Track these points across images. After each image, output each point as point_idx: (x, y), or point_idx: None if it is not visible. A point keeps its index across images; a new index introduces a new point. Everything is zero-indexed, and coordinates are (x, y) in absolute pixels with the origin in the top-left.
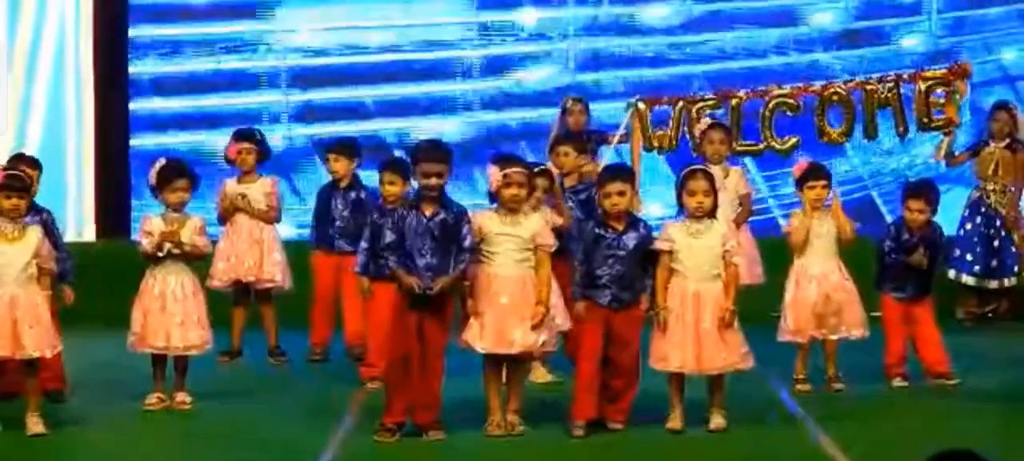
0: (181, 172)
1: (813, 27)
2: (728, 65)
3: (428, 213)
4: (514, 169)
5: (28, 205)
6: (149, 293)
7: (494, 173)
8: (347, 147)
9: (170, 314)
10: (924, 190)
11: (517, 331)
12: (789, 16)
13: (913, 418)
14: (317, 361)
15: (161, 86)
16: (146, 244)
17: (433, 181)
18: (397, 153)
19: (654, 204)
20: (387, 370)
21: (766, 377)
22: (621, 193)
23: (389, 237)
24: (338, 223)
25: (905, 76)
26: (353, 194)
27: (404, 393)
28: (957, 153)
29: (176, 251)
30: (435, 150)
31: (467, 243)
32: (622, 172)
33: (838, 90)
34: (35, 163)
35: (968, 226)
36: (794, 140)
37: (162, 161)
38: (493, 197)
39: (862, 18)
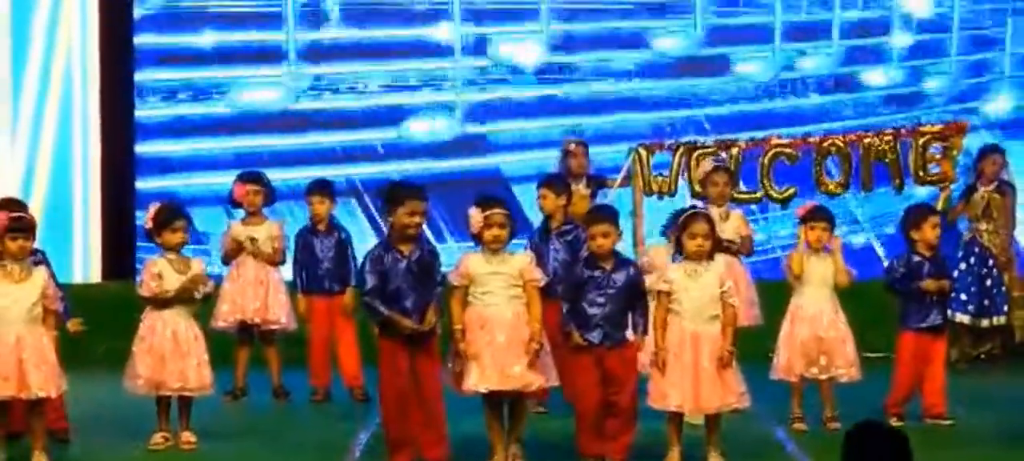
0: (179, 213)
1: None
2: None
3: (406, 252)
4: (494, 211)
5: (32, 246)
6: (159, 336)
7: (475, 215)
8: (330, 189)
9: (187, 355)
10: (934, 208)
11: (516, 366)
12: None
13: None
14: (320, 402)
15: (167, 130)
16: (154, 287)
17: (418, 219)
18: None
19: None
20: (386, 414)
21: (763, 416)
22: (606, 234)
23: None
24: (326, 265)
25: (903, 131)
26: (336, 235)
27: (407, 433)
28: (954, 205)
29: (209, 291)
30: (419, 190)
31: (439, 276)
32: (607, 213)
33: (836, 142)
34: (23, 206)
35: (962, 266)
36: (792, 190)
37: (157, 204)
38: (477, 239)
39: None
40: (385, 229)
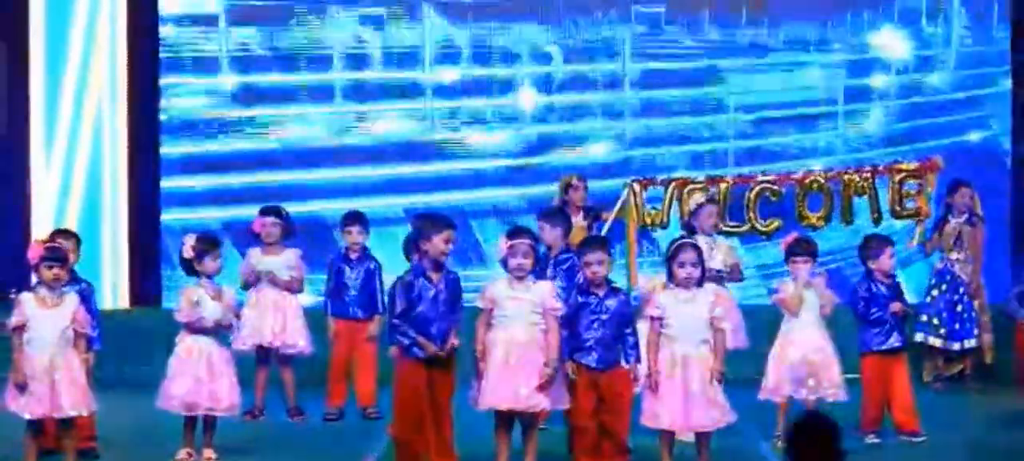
0: (217, 243)
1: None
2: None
3: (435, 279)
4: (518, 241)
5: (67, 275)
6: (195, 359)
7: (502, 243)
8: (364, 220)
9: (219, 377)
10: (890, 239)
11: (523, 388)
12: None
13: None
14: (333, 420)
15: (189, 166)
16: (192, 313)
17: (451, 247)
18: None
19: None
20: (400, 430)
21: (749, 433)
22: (600, 262)
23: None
24: (353, 292)
25: (880, 168)
26: (367, 264)
27: (417, 449)
28: (929, 237)
29: (239, 319)
30: (451, 219)
31: (461, 301)
32: (601, 243)
33: (818, 179)
34: (73, 236)
35: (934, 293)
36: (776, 223)
37: (195, 236)
38: (505, 265)
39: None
40: (410, 259)
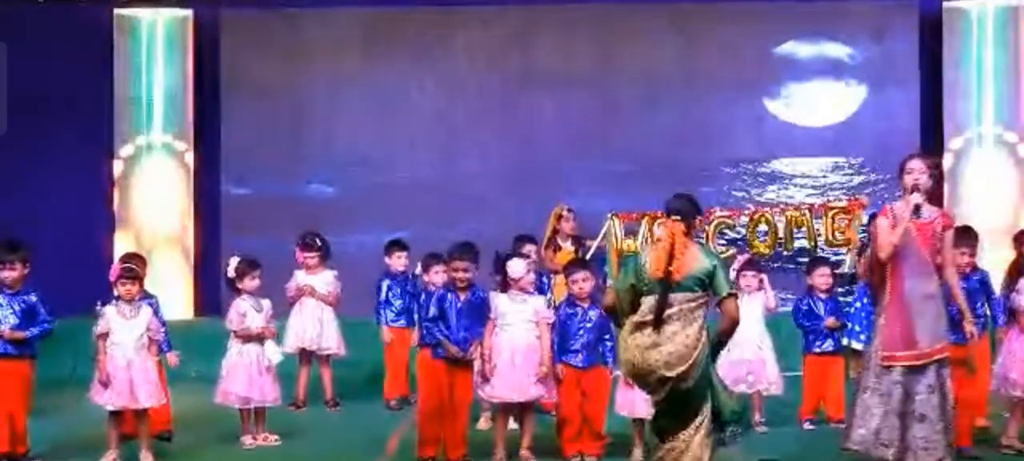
0: (255, 264)
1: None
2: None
3: (461, 296)
4: (527, 261)
5: (139, 290)
6: (244, 361)
7: (516, 263)
8: (405, 246)
9: (267, 375)
10: (830, 260)
11: (524, 383)
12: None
13: (823, 453)
14: (395, 409)
15: (245, 202)
16: (239, 323)
17: (462, 274)
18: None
19: None
20: (423, 416)
21: None
22: (585, 279)
23: (432, 313)
24: (400, 305)
25: (816, 206)
26: (409, 283)
27: (436, 432)
28: (858, 260)
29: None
30: (466, 251)
31: (483, 316)
32: (584, 264)
33: (765, 214)
34: (142, 259)
35: (858, 305)
36: (731, 251)
37: (237, 258)
38: (508, 284)
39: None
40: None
